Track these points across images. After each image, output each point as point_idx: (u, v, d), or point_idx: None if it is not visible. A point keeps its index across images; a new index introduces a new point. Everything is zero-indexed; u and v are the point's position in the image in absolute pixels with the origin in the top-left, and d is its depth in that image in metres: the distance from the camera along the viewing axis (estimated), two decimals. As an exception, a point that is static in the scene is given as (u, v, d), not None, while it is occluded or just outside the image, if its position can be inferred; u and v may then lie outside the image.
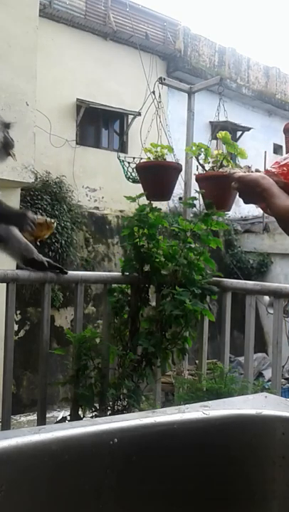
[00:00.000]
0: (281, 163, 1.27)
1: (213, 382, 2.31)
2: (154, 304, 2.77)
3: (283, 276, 10.41)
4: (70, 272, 2.53)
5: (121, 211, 9.93)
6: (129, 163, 6.32)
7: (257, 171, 1.32)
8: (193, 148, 2.94)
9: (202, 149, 2.89)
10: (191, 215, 3.98)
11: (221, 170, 1.61)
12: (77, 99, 9.81)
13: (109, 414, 2.48)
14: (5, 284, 2.31)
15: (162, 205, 7.48)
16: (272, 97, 13.46)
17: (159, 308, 2.64)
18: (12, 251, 2.19)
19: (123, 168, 6.54)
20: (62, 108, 9.72)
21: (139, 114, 6.20)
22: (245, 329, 2.55)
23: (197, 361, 2.96)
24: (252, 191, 1.26)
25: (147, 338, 2.60)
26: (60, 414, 6.22)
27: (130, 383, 2.53)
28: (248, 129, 12.24)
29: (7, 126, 2.11)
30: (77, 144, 9.94)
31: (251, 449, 0.78)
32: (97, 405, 2.51)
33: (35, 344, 5.71)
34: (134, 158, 5.74)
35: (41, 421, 2.43)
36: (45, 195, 8.33)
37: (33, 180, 6.65)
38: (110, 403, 2.54)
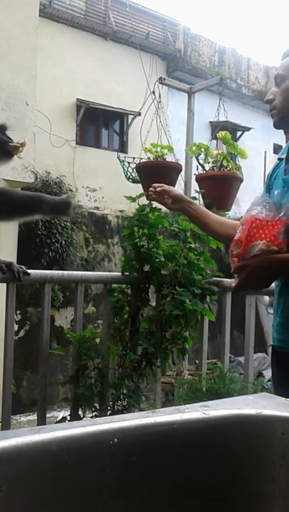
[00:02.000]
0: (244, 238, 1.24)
1: (213, 382, 2.31)
2: (154, 304, 2.77)
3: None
4: (70, 272, 2.53)
5: (121, 211, 9.93)
6: (129, 163, 6.32)
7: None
8: (193, 148, 2.95)
9: (202, 149, 2.89)
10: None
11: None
12: (77, 99, 9.81)
13: (109, 414, 2.48)
14: (5, 284, 2.31)
15: (162, 205, 7.46)
16: (273, 97, 13.43)
17: (159, 308, 2.64)
18: None
19: (123, 168, 6.55)
20: (62, 108, 9.72)
21: (139, 114, 6.21)
22: (245, 329, 2.55)
23: (197, 361, 2.96)
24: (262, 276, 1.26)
25: (147, 338, 2.60)
26: (60, 414, 6.22)
27: (130, 383, 2.53)
28: (248, 129, 12.24)
29: (3, 128, 2.10)
30: (77, 144, 9.94)
31: (251, 449, 0.78)
32: (97, 405, 2.51)
33: (35, 344, 5.71)
34: (134, 158, 5.74)
35: (41, 421, 2.43)
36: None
37: (33, 180, 6.65)
38: (110, 403, 2.54)
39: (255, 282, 1.30)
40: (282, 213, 1.25)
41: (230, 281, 1.34)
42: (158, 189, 1.72)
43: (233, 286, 1.31)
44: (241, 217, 1.33)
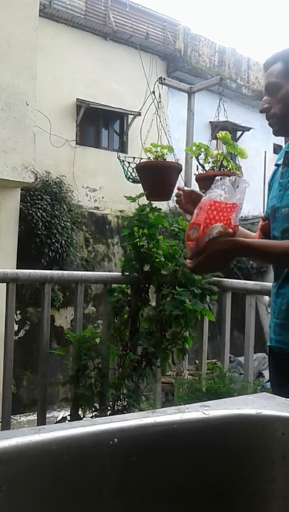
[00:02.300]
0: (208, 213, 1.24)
1: (213, 382, 2.31)
2: (154, 304, 2.77)
3: (283, 276, 10.38)
4: (70, 272, 2.53)
5: (121, 211, 9.93)
6: (129, 163, 6.31)
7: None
8: (193, 148, 2.94)
9: (202, 149, 2.89)
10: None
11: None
12: (77, 99, 9.81)
13: (109, 414, 2.49)
14: (5, 284, 2.31)
15: (162, 205, 7.47)
16: (273, 97, 13.42)
17: (159, 308, 2.65)
18: None
19: (123, 168, 6.53)
20: (63, 108, 9.72)
21: (139, 114, 6.21)
22: (245, 329, 2.54)
23: (197, 361, 2.96)
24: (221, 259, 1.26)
25: (147, 338, 2.60)
26: (60, 414, 6.22)
27: (130, 383, 2.53)
28: (248, 129, 12.24)
29: None
30: (77, 144, 9.94)
31: (251, 449, 0.78)
32: (97, 405, 2.51)
33: (35, 344, 5.71)
34: (134, 158, 5.72)
35: (41, 421, 2.43)
36: (45, 195, 8.33)
37: (33, 180, 6.65)
38: (110, 403, 2.55)
39: (213, 265, 1.31)
40: (237, 197, 1.26)
41: (187, 262, 1.33)
42: (185, 189, 1.55)
43: (191, 266, 1.30)
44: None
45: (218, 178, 1.30)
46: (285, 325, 1.35)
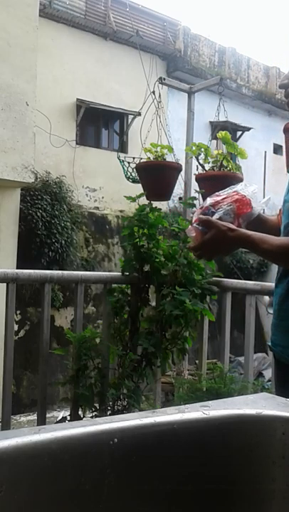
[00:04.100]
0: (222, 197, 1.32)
1: (213, 382, 2.31)
2: (154, 304, 2.77)
3: (283, 276, 10.38)
4: (70, 272, 2.53)
5: (121, 211, 9.93)
6: (129, 163, 6.32)
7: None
8: (193, 148, 2.94)
9: (202, 149, 2.88)
10: (191, 215, 3.97)
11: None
12: (77, 99, 9.81)
13: (109, 414, 2.49)
14: (5, 284, 2.31)
15: (162, 205, 7.48)
16: (272, 97, 13.44)
17: (159, 308, 2.64)
18: None
19: (123, 168, 6.54)
20: (63, 108, 9.72)
21: (139, 114, 6.20)
22: (245, 329, 2.54)
23: (197, 361, 2.96)
24: (222, 246, 1.29)
25: (147, 338, 2.60)
26: (60, 414, 6.23)
27: (130, 383, 2.53)
28: (248, 129, 12.24)
29: None
30: (77, 144, 9.94)
31: (251, 449, 0.78)
32: (97, 405, 2.51)
33: (35, 344, 5.71)
34: (134, 158, 5.74)
35: (41, 421, 2.43)
36: (45, 195, 8.33)
37: (33, 180, 6.65)
38: (110, 403, 2.54)
39: (216, 250, 1.33)
40: (255, 206, 1.34)
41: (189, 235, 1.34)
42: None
43: (192, 245, 1.32)
44: None
45: (249, 185, 1.38)
46: (278, 325, 1.36)
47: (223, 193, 1.35)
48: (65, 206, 8.54)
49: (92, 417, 2.46)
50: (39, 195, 8.22)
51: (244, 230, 1.29)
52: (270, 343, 1.43)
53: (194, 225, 1.32)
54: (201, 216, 1.31)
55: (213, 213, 1.31)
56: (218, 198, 1.33)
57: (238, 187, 1.36)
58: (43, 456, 0.64)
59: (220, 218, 1.29)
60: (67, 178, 9.10)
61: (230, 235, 1.26)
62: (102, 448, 0.68)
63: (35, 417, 2.56)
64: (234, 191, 1.34)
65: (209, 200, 1.35)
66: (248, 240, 1.27)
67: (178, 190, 3.52)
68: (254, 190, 1.36)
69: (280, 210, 1.51)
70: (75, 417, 2.49)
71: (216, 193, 1.37)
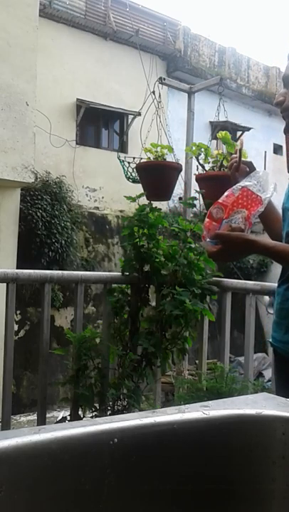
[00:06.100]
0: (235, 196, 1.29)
1: (213, 382, 2.31)
2: (154, 304, 2.77)
3: (283, 276, 10.39)
4: (70, 272, 2.53)
5: (121, 211, 9.93)
6: (129, 163, 6.31)
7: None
8: (193, 148, 2.94)
9: (202, 149, 2.89)
10: (191, 215, 3.98)
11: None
12: (77, 99, 9.81)
13: (109, 414, 2.49)
14: (5, 284, 2.31)
15: (162, 205, 7.48)
16: (272, 97, 13.41)
17: (159, 308, 2.64)
18: None
19: (123, 168, 6.54)
20: (63, 108, 9.72)
21: (139, 114, 6.20)
22: (245, 329, 2.54)
23: (197, 361, 2.96)
24: (238, 249, 1.29)
25: (147, 338, 2.60)
26: (60, 414, 6.23)
27: (130, 383, 2.53)
28: (248, 129, 12.24)
29: None
30: (77, 144, 9.94)
31: (251, 449, 0.78)
32: (97, 405, 2.51)
33: (35, 344, 5.71)
34: (134, 158, 5.73)
35: (41, 421, 2.43)
36: (45, 195, 8.33)
37: (33, 180, 6.65)
38: (110, 403, 2.54)
39: (230, 258, 1.38)
40: (267, 195, 1.30)
41: (205, 245, 1.34)
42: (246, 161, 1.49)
43: (212, 252, 1.31)
44: None
45: (258, 170, 1.35)
46: (279, 323, 1.40)
47: (231, 195, 1.30)
48: (65, 206, 8.54)
49: (92, 417, 2.46)
50: (39, 195, 8.22)
51: (262, 242, 1.27)
52: (270, 340, 1.46)
53: (208, 240, 1.30)
54: (217, 232, 1.28)
55: (226, 222, 1.28)
56: (228, 204, 1.29)
57: (246, 182, 1.31)
58: (43, 456, 0.64)
59: (232, 229, 1.26)
60: (67, 178, 9.11)
61: (248, 248, 1.27)
62: (102, 448, 0.68)
63: (35, 417, 2.56)
64: (242, 188, 1.29)
65: (219, 212, 1.30)
66: (266, 252, 1.28)
67: (178, 190, 3.52)
68: (260, 179, 1.31)
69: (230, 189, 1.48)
70: (75, 417, 2.49)
71: (224, 196, 1.31)
